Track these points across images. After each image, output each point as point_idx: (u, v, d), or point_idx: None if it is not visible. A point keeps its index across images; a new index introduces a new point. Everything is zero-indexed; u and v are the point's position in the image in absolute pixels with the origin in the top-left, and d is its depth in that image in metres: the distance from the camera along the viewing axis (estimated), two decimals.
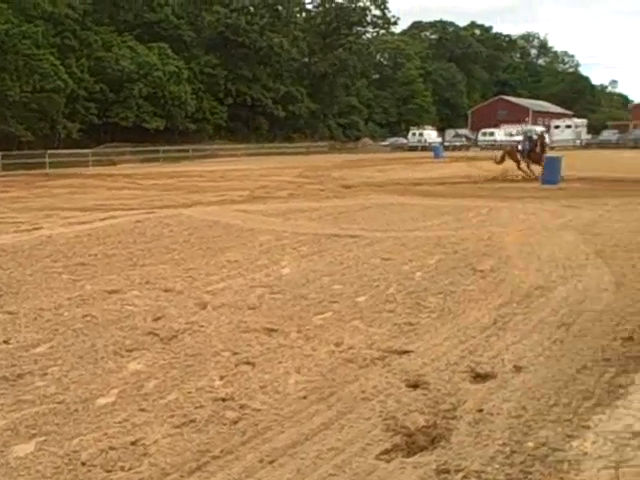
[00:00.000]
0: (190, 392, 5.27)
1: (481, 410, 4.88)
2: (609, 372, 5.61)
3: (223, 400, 5.11)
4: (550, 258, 10.29)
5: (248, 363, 5.90)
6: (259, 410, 4.95)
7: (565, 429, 4.57)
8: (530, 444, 4.38)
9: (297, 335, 6.72)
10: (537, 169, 25.30)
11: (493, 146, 67.65)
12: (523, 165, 26.32)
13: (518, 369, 5.70)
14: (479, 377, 5.54)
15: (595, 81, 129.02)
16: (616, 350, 6.17)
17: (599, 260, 10.15)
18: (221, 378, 5.56)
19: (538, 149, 26.08)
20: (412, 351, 6.19)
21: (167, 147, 54.67)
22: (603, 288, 8.47)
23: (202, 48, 67.83)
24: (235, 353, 6.16)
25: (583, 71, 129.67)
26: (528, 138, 27.29)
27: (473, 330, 6.82)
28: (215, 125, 67.07)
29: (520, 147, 27.03)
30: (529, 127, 27.94)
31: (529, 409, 4.88)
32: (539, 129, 27.77)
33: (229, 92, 68.18)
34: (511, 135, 72.17)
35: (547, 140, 26.88)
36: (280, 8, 73.32)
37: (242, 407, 5.00)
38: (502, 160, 27.24)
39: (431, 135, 71.98)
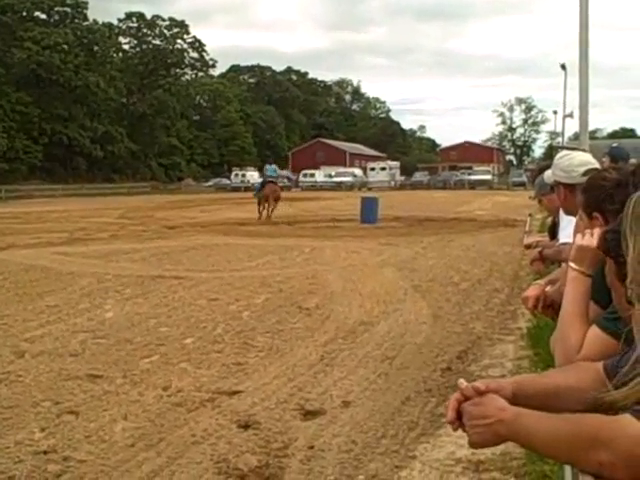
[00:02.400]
0: (8, 447, 4.93)
1: (312, 447, 4.92)
2: (431, 402, 5.86)
3: (45, 453, 4.83)
4: (371, 294, 10.64)
5: (71, 412, 5.63)
6: (84, 461, 4.72)
7: (393, 460, 4.70)
8: (361, 477, 4.47)
9: (123, 380, 6.50)
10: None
11: (314, 187, 69.50)
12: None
13: (346, 404, 5.81)
14: (309, 414, 5.60)
15: (405, 126, 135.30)
16: (436, 381, 6.45)
17: (417, 295, 10.62)
18: (42, 430, 5.26)
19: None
20: (242, 391, 6.17)
21: None
22: (422, 321, 8.85)
23: (12, 85, 65.01)
24: (57, 403, 5.86)
25: (394, 116, 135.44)
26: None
27: (301, 367, 6.90)
28: (29, 165, 64.29)
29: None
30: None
31: (358, 443, 4.99)
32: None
33: (44, 131, 65.76)
34: (330, 176, 74.41)
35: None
36: (96, 47, 71.85)
37: (66, 459, 4.74)
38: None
39: (254, 176, 72.69)
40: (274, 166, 29.38)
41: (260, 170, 76.85)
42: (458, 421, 1.64)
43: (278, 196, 26.29)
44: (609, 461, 1.37)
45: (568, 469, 2.15)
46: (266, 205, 26.12)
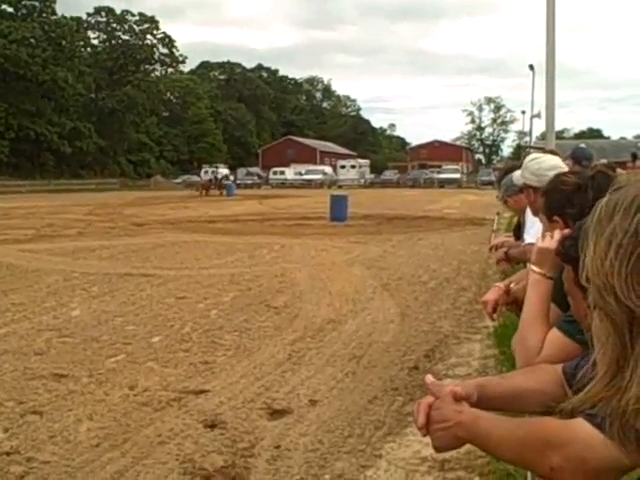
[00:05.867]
0: None
1: (278, 446, 4.92)
2: (398, 401, 5.88)
3: (7, 454, 4.77)
4: (340, 292, 10.66)
5: (35, 412, 5.56)
6: (48, 462, 4.67)
7: (359, 459, 4.71)
8: (327, 477, 4.48)
9: (88, 380, 6.44)
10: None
11: (284, 184, 69.43)
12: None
13: (313, 403, 5.82)
14: (276, 413, 5.60)
15: (375, 124, 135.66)
16: (403, 380, 6.48)
17: (385, 293, 10.66)
18: (5, 430, 5.19)
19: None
20: (209, 390, 6.14)
21: None
22: (390, 320, 8.89)
23: None
24: (21, 402, 5.79)
25: (364, 115, 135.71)
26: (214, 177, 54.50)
27: (269, 366, 6.89)
28: None
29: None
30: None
31: (325, 442, 4.99)
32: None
33: (10, 126, 64.95)
34: (300, 174, 74.42)
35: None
36: (64, 42, 71.01)
37: (29, 460, 4.69)
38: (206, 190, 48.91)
39: (223, 173, 72.44)
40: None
41: (232, 168, 77.05)
42: (427, 426, 1.64)
43: (208, 186, 50.17)
44: (559, 465, 1.38)
45: None
46: (203, 191, 48.89)
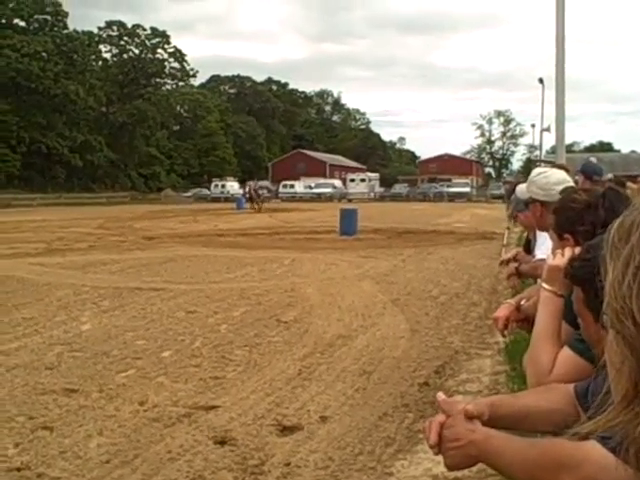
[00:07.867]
0: None
1: (289, 463, 4.90)
2: (408, 418, 5.85)
3: (18, 470, 4.77)
4: (350, 307, 10.64)
5: (46, 428, 5.56)
6: (58, 478, 4.66)
7: (370, 477, 4.69)
8: None
9: (99, 395, 6.44)
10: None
11: (294, 198, 69.55)
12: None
13: (324, 419, 5.80)
14: (286, 429, 5.58)
15: (385, 137, 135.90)
16: (414, 396, 6.45)
17: (395, 308, 10.64)
18: (16, 445, 5.20)
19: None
20: (219, 406, 6.13)
21: None
22: (400, 335, 8.86)
23: None
24: (31, 417, 5.79)
25: (374, 128, 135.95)
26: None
27: (279, 382, 6.88)
28: (7, 174, 63.90)
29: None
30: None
31: (335, 459, 4.97)
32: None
33: (22, 140, 65.39)
34: (310, 187, 74.55)
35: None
36: (75, 56, 71.54)
37: (40, 476, 4.69)
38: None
39: (234, 187, 72.63)
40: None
41: (242, 181, 77.21)
42: (439, 445, 1.64)
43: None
44: None
45: None
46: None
